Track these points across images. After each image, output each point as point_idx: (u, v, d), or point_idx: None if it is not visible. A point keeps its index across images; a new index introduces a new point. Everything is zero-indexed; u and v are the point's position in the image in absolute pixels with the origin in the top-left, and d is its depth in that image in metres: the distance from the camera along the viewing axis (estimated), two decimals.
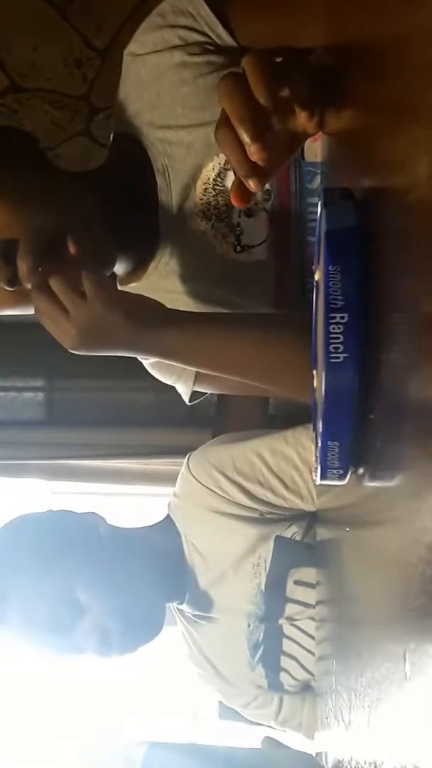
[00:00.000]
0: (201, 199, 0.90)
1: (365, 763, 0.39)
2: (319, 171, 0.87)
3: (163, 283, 0.95)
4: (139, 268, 0.96)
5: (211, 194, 0.90)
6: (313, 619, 1.16)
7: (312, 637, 1.17)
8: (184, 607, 1.23)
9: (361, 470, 0.43)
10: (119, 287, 0.99)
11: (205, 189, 0.90)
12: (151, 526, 1.27)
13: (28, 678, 2.23)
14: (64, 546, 1.18)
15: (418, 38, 0.27)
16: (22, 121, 1.78)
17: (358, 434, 0.41)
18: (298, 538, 1.20)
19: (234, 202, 0.61)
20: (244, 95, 0.55)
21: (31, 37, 1.72)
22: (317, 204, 0.89)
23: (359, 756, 0.42)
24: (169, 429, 2.01)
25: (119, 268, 0.97)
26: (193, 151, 0.89)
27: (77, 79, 1.75)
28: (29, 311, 0.87)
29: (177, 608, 1.26)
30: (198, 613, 1.23)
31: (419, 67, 0.27)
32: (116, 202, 0.89)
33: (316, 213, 0.90)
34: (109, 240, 0.87)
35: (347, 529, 0.52)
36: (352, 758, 0.46)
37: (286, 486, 1.21)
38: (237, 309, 0.94)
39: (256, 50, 0.58)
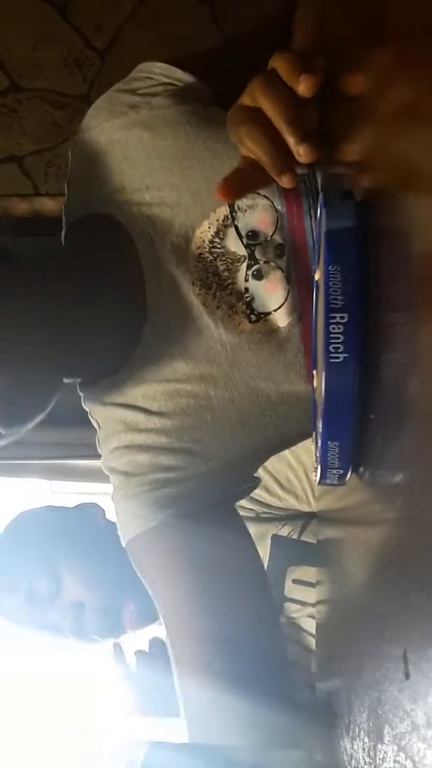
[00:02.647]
0: (196, 266, 0.74)
1: (366, 763, 0.39)
2: None
3: (153, 372, 0.76)
4: (115, 366, 0.78)
5: (209, 259, 0.74)
6: (312, 617, 1.16)
7: (312, 636, 1.17)
8: None
9: (361, 470, 0.43)
10: (84, 391, 0.83)
11: (200, 254, 0.74)
12: None
13: (29, 678, 2.23)
14: (59, 527, 1.22)
15: (419, 38, 0.27)
16: (22, 121, 1.78)
17: (358, 434, 0.41)
18: (294, 536, 1.20)
19: (217, 194, 0.54)
20: (284, 93, 0.51)
21: (31, 37, 1.72)
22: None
23: (359, 756, 0.42)
24: None
25: (85, 376, 0.81)
26: (181, 210, 0.74)
27: (77, 79, 1.75)
28: None
29: None
30: None
31: (420, 67, 0.27)
32: (78, 307, 0.73)
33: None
34: (56, 374, 0.74)
35: (347, 530, 0.52)
36: (352, 758, 0.46)
37: (281, 485, 1.21)
38: (259, 394, 0.75)
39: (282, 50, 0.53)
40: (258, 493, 1.21)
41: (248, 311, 0.74)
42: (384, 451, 0.35)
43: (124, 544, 0.78)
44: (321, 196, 0.46)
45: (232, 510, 0.82)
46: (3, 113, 1.78)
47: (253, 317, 0.74)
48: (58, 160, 1.77)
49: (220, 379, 0.75)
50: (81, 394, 0.83)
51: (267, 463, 1.21)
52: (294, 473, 1.21)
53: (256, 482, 0.85)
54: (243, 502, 1.19)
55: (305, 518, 1.22)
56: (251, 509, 1.22)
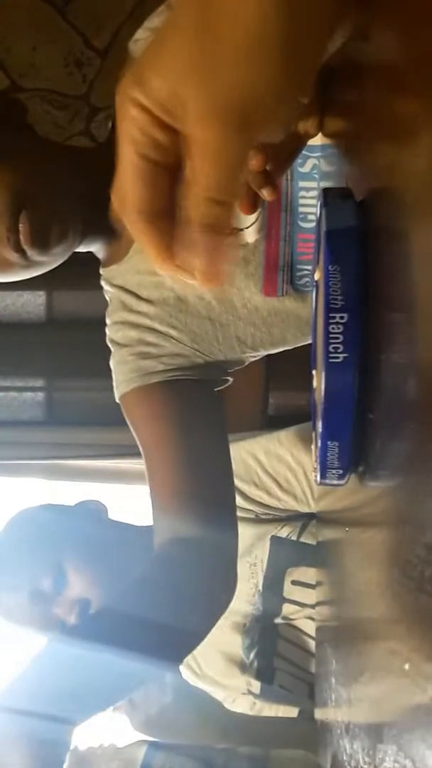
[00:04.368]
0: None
1: (365, 763, 0.39)
2: (310, 154, 0.86)
3: (144, 264, 0.93)
4: (120, 249, 0.95)
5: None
6: (311, 618, 1.16)
7: (310, 637, 1.17)
8: None
9: (361, 470, 0.43)
10: (101, 271, 1.00)
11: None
12: (148, 526, 1.28)
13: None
14: (62, 524, 1.22)
15: (419, 38, 0.27)
16: None
17: (358, 434, 0.41)
18: (293, 537, 1.20)
19: (241, 210, 0.62)
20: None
21: (31, 37, 1.72)
22: (309, 189, 0.89)
23: (359, 756, 0.42)
24: None
25: (101, 252, 0.98)
26: None
27: (77, 79, 1.75)
28: (7, 278, 0.88)
29: None
30: None
31: (420, 66, 0.27)
32: (96, 182, 0.88)
33: (309, 197, 0.90)
34: (78, 216, 0.87)
35: (347, 529, 0.52)
36: (352, 758, 0.46)
37: (280, 487, 1.21)
38: (226, 293, 0.93)
39: None
40: (257, 494, 1.21)
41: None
42: (384, 451, 0.35)
43: (117, 400, 0.95)
44: (321, 196, 0.46)
45: (212, 392, 0.97)
46: None
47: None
48: None
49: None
50: (101, 273, 1.00)
51: (267, 465, 1.21)
52: (293, 474, 1.21)
53: (228, 381, 1.00)
54: (242, 503, 1.19)
55: (304, 519, 1.22)
56: (251, 510, 1.22)
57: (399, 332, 0.31)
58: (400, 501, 0.31)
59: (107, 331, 1.00)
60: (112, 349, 0.97)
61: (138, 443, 0.94)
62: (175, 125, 0.33)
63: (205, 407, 0.94)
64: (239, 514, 1.18)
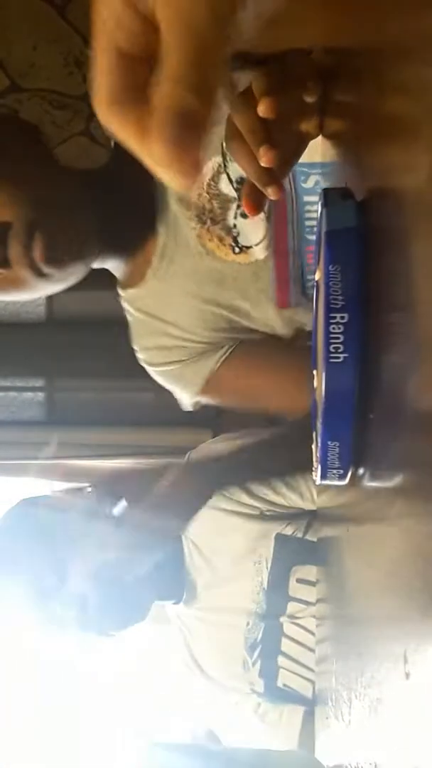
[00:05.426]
0: (195, 205, 0.92)
1: (365, 763, 0.39)
2: (312, 171, 0.88)
3: (165, 288, 0.97)
4: (136, 271, 0.98)
5: (206, 198, 0.91)
6: (315, 617, 1.16)
7: (314, 634, 1.17)
8: (180, 607, 1.23)
9: (361, 470, 0.43)
10: (120, 292, 1.03)
11: (199, 194, 0.91)
12: None
13: (29, 678, 2.23)
14: (67, 518, 1.23)
15: (419, 39, 0.27)
16: None
17: (358, 434, 0.41)
18: (299, 535, 1.20)
19: (246, 211, 0.63)
20: (250, 108, 0.58)
21: (31, 37, 1.72)
22: (313, 203, 0.90)
23: (359, 756, 0.42)
24: (169, 429, 2.01)
25: (117, 270, 1.00)
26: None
27: (77, 79, 1.76)
28: (19, 296, 0.90)
29: (172, 608, 1.26)
30: (195, 613, 1.23)
31: (420, 67, 0.27)
32: (110, 202, 0.92)
33: (313, 211, 0.92)
34: (92, 234, 0.89)
35: (347, 529, 0.52)
36: (352, 758, 0.46)
37: (286, 484, 1.21)
38: (240, 313, 0.97)
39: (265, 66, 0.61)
40: (262, 491, 1.21)
41: (234, 244, 0.92)
42: (384, 451, 0.35)
43: (192, 403, 1.06)
44: (321, 196, 0.46)
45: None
46: (3, 113, 1.78)
47: (237, 249, 0.92)
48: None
49: (209, 296, 0.96)
50: (121, 294, 1.04)
51: None
52: (299, 471, 1.21)
53: None
54: (247, 500, 1.19)
55: (309, 517, 1.21)
56: (255, 507, 1.22)
57: (399, 332, 0.31)
58: (400, 500, 0.31)
59: (141, 355, 1.05)
60: (155, 369, 1.05)
61: (243, 404, 1.06)
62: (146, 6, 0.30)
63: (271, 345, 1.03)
64: (244, 510, 1.18)
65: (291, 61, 0.62)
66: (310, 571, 1.18)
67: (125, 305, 1.05)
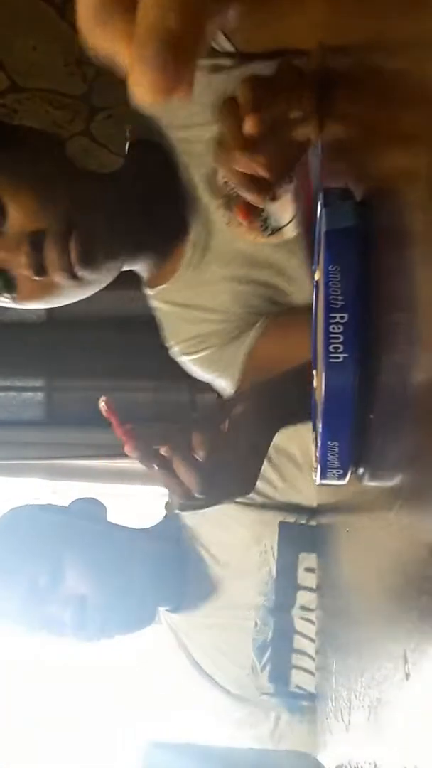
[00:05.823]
0: (221, 192, 0.93)
1: (365, 763, 0.39)
2: None
3: (199, 277, 0.98)
4: (168, 266, 0.99)
5: (232, 186, 0.93)
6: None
7: None
8: (181, 614, 1.22)
9: (361, 470, 0.43)
10: (149, 291, 1.04)
11: (225, 182, 0.92)
12: (149, 528, 1.27)
13: (28, 678, 2.23)
14: (63, 520, 1.22)
15: (419, 38, 0.27)
16: (22, 121, 1.78)
17: (358, 434, 0.41)
18: (302, 522, 1.19)
19: (240, 218, 0.64)
20: (235, 116, 0.59)
21: (31, 37, 1.72)
22: None
23: (359, 756, 0.42)
24: None
25: (145, 269, 1.01)
26: (211, 146, 0.92)
27: (77, 79, 1.75)
28: (54, 303, 0.90)
29: (169, 615, 1.24)
30: (197, 620, 1.22)
31: (420, 65, 0.27)
32: (136, 201, 0.92)
33: None
34: (122, 234, 0.90)
35: (347, 530, 0.52)
36: (352, 758, 0.46)
37: (285, 481, 1.21)
38: (277, 290, 0.99)
39: (248, 77, 0.61)
40: (262, 486, 1.20)
41: (264, 227, 0.92)
42: (384, 451, 0.35)
43: (236, 383, 1.04)
44: (321, 196, 0.46)
45: None
46: (3, 113, 1.78)
47: (269, 232, 0.92)
48: None
49: (245, 277, 0.98)
50: (149, 293, 1.05)
51: (274, 459, 1.20)
52: (299, 470, 1.20)
53: None
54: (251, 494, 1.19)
55: (309, 513, 1.21)
56: (255, 499, 1.21)
57: (399, 332, 0.31)
58: (400, 501, 0.31)
59: (177, 347, 1.06)
60: (195, 357, 1.05)
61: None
62: None
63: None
64: (243, 500, 1.17)
65: (280, 70, 0.62)
66: (317, 560, 1.16)
67: (155, 303, 1.05)
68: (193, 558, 1.22)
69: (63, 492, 2.19)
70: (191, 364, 1.09)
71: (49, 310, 2.13)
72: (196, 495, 0.69)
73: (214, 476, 0.69)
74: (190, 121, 0.91)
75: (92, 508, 1.30)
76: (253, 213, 0.64)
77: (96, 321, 2.03)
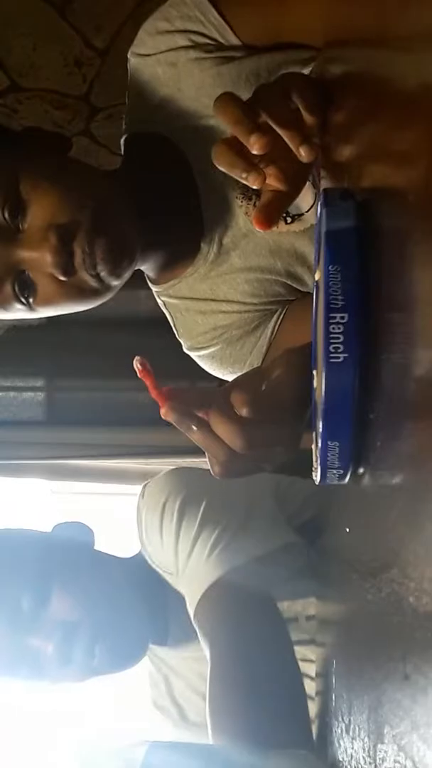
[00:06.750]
0: (239, 182, 0.91)
1: (365, 762, 0.39)
2: None
3: (216, 269, 0.95)
4: (180, 262, 0.96)
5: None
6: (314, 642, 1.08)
7: (312, 661, 1.09)
8: (167, 650, 1.12)
9: (361, 470, 0.43)
10: (155, 287, 1.00)
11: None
12: (132, 557, 1.14)
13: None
14: (48, 546, 1.09)
15: (418, 36, 0.27)
16: (22, 121, 1.78)
17: (358, 434, 0.41)
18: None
19: (256, 226, 0.61)
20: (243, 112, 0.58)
21: (31, 37, 1.72)
22: None
23: (359, 756, 0.42)
24: (169, 429, 2.01)
25: (153, 268, 0.97)
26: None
27: (77, 79, 1.75)
28: (68, 309, 0.86)
29: (155, 652, 1.13)
30: (184, 653, 1.11)
31: (419, 64, 0.27)
32: (144, 200, 0.89)
33: None
34: (138, 236, 0.86)
35: (347, 530, 0.52)
36: (352, 758, 0.46)
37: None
38: (297, 278, 0.96)
39: (223, 97, 0.59)
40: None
41: (284, 215, 0.88)
42: (384, 451, 0.35)
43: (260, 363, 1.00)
44: (321, 196, 0.46)
45: None
46: (3, 113, 1.78)
47: (289, 219, 0.89)
48: None
49: (265, 267, 0.94)
50: (156, 290, 1.01)
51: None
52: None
53: None
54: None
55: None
56: None
57: (399, 332, 0.31)
58: (400, 501, 0.31)
59: (192, 342, 1.02)
60: (211, 351, 1.02)
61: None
62: None
63: None
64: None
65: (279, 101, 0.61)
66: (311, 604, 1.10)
67: (165, 299, 1.02)
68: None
69: (63, 492, 2.19)
70: (207, 359, 1.03)
71: None
72: (240, 452, 0.65)
73: (257, 433, 0.65)
74: (203, 111, 0.88)
75: (77, 533, 1.16)
76: (269, 220, 0.62)
77: (96, 321, 2.03)
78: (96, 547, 1.16)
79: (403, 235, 0.30)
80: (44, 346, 2.15)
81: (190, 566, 0.93)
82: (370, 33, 0.39)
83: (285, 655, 0.90)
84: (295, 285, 0.98)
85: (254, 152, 0.56)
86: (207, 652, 0.89)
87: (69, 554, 1.07)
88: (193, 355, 1.04)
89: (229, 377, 1.03)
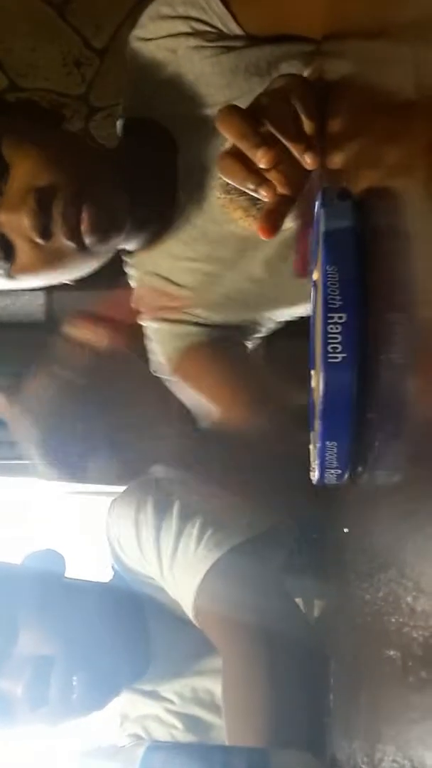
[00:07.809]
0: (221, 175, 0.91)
1: (364, 762, 0.39)
2: None
3: (177, 249, 0.95)
4: (153, 237, 0.96)
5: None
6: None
7: None
8: (151, 683, 1.00)
9: (359, 470, 0.43)
10: (127, 258, 1.01)
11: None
12: (105, 583, 1.04)
13: None
14: (17, 578, 1.00)
15: (418, 34, 0.27)
16: None
17: (356, 434, 0.41)
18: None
19: (261, 234, 0.61)
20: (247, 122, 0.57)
21: (30, 38, 1.72)
22: None
23: (359, 756, 0.42)
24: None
25: (132, 243, 0.96)
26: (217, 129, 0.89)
27: (76, 79, 1.75)
28: (50, 278, 0.87)
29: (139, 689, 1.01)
30: (162, 685, 1.00)
31: (419, 63, 0.27)
32: (129, 177, 0.89)
33: None
34: (126, 208, 0.86)
35: (346, 530, 0.52)
36: (351, 758, 0.46)
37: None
38: (255, 278, 0.95)
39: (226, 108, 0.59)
40: None
41: (258, 216, 0.89)
42: (383, 451, 0.35)
43: (169, 376, 1.02)
44: (319, 196, 0.45)
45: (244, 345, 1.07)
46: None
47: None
48: None
49: (229, 261, 0.94)
50: (126, 260, 1.01)
51: None
52: None
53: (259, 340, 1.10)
54: None
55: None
56: None
57: (398, 332, 0.31)
58: (399, 501, 0.31)
59: (143, 311, 1.03)
60: (152, 325, 1.03)
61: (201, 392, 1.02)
62: None
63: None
64: None
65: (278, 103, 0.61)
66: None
67: (131, 271, 1.01)
68: (155, 613, 0.98)
69: (62, 492, 2.19)
70: (150, 331, 1.04)
71: (49, 310, 2.13)
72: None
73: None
74: (199, 100, 0.88)
75: (47, 561, 1.06)
76: (274, 228, 0.62)
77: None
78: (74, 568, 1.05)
79: (401, 235, 0.30)
80: (44, 346, 2.15)
81: (177, 562, 0.87)
82: (370, 25, 0.39)
83: (300, 635, 0.84)
84: (247, 301, 0.99)
85: (262, 166, 0.56)
86: (218, 647, 0.86)
87: (36, 586, 0.98)
88: (145, 325, 1.05)
89: (156, 358, 1.05)
